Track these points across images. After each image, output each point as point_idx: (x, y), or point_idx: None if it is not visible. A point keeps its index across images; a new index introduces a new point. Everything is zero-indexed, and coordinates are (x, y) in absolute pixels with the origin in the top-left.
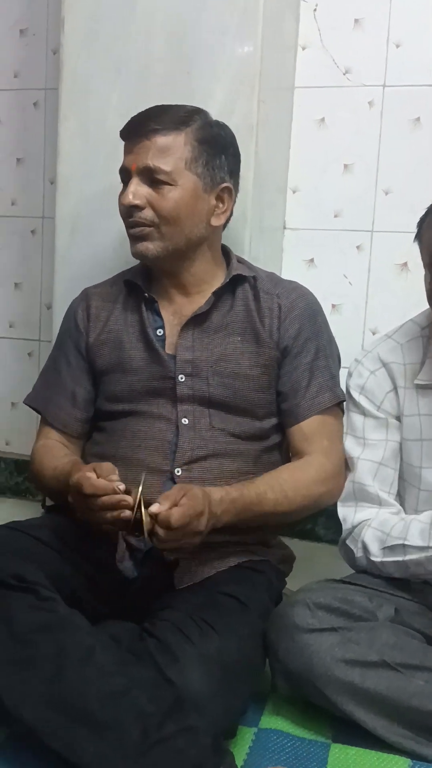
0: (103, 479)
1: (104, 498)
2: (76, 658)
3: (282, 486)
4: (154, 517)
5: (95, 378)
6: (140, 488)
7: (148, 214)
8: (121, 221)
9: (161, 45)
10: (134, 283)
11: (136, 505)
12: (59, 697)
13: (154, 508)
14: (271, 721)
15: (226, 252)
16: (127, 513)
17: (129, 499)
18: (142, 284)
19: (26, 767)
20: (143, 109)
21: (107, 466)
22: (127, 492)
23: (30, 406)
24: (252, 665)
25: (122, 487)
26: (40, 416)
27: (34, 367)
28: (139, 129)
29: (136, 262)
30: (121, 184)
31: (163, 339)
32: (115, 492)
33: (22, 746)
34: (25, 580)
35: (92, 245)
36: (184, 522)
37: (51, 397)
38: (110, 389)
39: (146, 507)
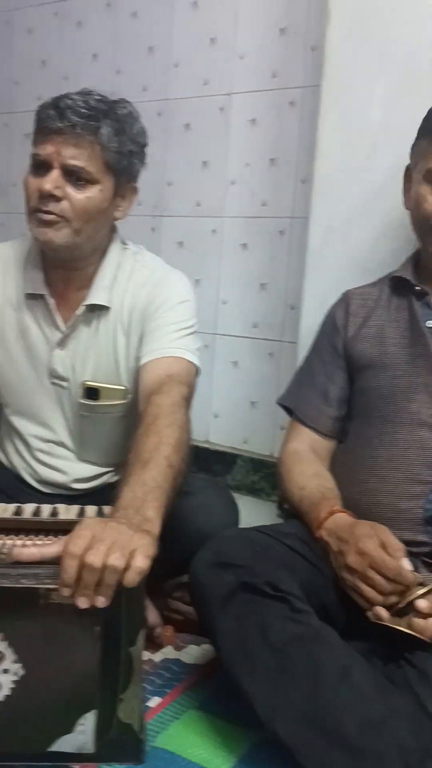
0: (392, 559)
1: (383, 580)
2: (333, 676)
3: None
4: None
5: (351, 375)
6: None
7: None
8: (381, 221)
9: (430, 28)
10: (401, 279)
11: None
12: (314, 714)
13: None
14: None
15: None
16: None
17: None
18: (412, 278)
19: None
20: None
21: (395, 544)
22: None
23: (281, 405)
24: None
25: (414, 577)
26: (290, 417)
27: (275, 368)
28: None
29: (393, 261)
30: None
31: None
32: (401, 576)
33: (270, 756)
34: (279, 589)
35: (347, 245)
36: None
37: (302, 396)
38: (367, 385)
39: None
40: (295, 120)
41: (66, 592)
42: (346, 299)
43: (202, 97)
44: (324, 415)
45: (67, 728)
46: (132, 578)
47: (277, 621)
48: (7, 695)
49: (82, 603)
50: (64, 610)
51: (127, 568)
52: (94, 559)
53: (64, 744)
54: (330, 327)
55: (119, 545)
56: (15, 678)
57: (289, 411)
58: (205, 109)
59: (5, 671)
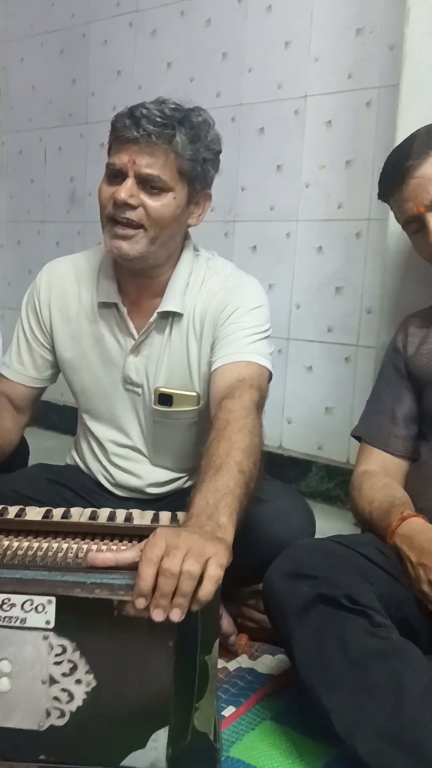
0: None
1: None
2: (416, 693)
3: None
4: None
5: (418, 394)
6: None
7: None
8: None
9: None
10: None
11: None
12: (397, 732)
13: None
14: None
15: None
16: None
17: None
18: None
19: None
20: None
21: None
22: None
23: (354, 437)
24: None
25: None
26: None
27: (350, 373)
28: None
29: None
30: None
31: None
32: None
33: None
34: (359, 603)
35: None
36: None
37: (371, 421)
38: (427, 402)
39: None
40: (371, 120)
41: (141, 603)
42: (405, 323)
43: (276, 100)
44: (392, 435)
45: (140, 743)
46: (207, 589)
47: (357, 635)
48: (80, 706)
49: (157, 615)
50: (137, 624)
51: (202, 576)
52: (171, 564)
53: (137, 759)
54: (392, 351)
55: (194, 553)
56: (87, 689)
57: (359, 440)
58: (279, 112)
59: (78, 681)
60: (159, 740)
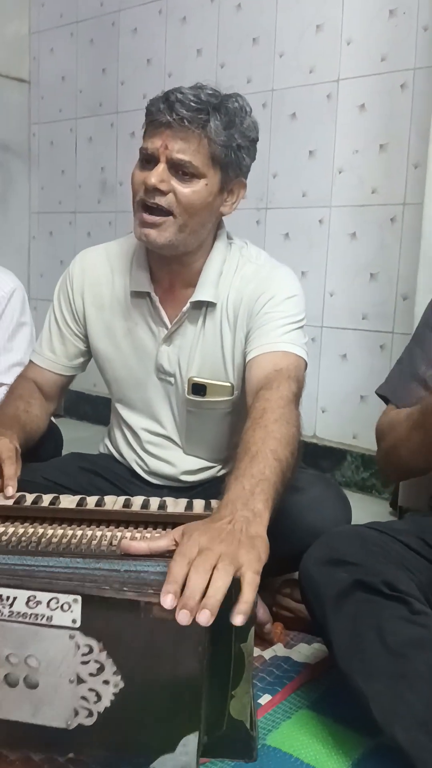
0: None
1: None
2: None
3: None
4: None
5: None
6: None
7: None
8: None
9: None
10: None
11: None
12: None
13: None
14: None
15: None
16: None
17: None
18: None
19: None
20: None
21: None
22: None
23: (379, 395)
24: None
25: None
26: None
27: (386, 361)
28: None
29: None
30: None
31: None
32: None
33: (387, 761)
34: (397, 589)
35: None
36: None
37: (401, 384)
38: None
39: None
40: (406, 103)
41: (168, 600)
42: None
43: (308, 85)
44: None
45: (170, 747)
46: (248, 595)
47: (395, 623)
48: (107, 707)
49: (183, 618)
50: (166, 626)
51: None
52: (203, 562)
53: (166, 763)
54: (429, 315)
55: (228, 556)
56: (115, 690)
57: (386, 401)
58: (311, 97)
59: (105, 682)
60: (189, 745)
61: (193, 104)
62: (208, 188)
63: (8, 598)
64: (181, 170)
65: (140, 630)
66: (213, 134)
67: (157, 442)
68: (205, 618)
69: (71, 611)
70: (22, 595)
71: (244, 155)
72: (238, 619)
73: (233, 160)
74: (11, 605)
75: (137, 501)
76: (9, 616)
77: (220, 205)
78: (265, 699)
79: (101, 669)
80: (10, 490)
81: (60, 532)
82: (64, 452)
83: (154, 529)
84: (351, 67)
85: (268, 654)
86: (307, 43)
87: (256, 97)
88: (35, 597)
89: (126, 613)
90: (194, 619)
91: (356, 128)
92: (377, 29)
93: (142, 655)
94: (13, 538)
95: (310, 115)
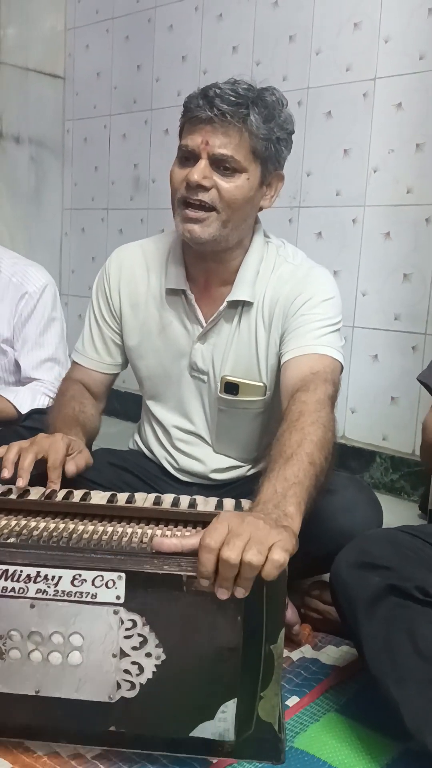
0: None
1: None
2: None
3: None
4: None
5: None
6: None
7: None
8: None
9: None
10: None
11: None
12: None
13: None
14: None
15: None
16: None
17: None
18: None
19: None
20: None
21: None
22: None
23: (421, 382)
24: None
25: None
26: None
27: (417, 362)
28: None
29: None
30: None
31: None
32: None
33: (416, 766)
34: (430, 595)
35: None
36: None
37: None
38: None
39: None
40: None
41: (204, 582)
42: None
43: (345, 83)
44: None
45: (209, 714)
46: (270, 571)
47: (428, 628)
48: (149, 678)
49: (222, 594)
50: (205, 598)
51: (264, 562)
52: (231, 554)
53: (206, 730)
54: None
55: (256, 540)
56: (157, 662)
57: (428, 387)
58: (347, 95)
59: (148, 655)
60: (228, 711)
61: (232, 99)
62: (250, 182)
63: (53, 577)
64: (222, 165)
65: (181, 603)
66: (254, 128)
67: (187, 440)
68: (241, 593)
69: (116, 588)
70: (68, 574)
71: (282, 147)
72: (271, 574)
73: (273, 153)
74: (56, 584)
75: (167, 499)
76: (54, 595)
77: (260, 198)
78: (292, 701)
79: (144, 642)
80: (21, 481)
81: (91, 528)
82: (93, 448)
83: (185, 527)
84: (388, 65)
85: (296, 655)
86: (344, 40)
87: (291, 95)
88: (80, 575)
89: (168, 587)
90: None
91: (392, 127)
92: (415, 27)
93: (184, 628)
94: (44, 533)
95: (346, 114)
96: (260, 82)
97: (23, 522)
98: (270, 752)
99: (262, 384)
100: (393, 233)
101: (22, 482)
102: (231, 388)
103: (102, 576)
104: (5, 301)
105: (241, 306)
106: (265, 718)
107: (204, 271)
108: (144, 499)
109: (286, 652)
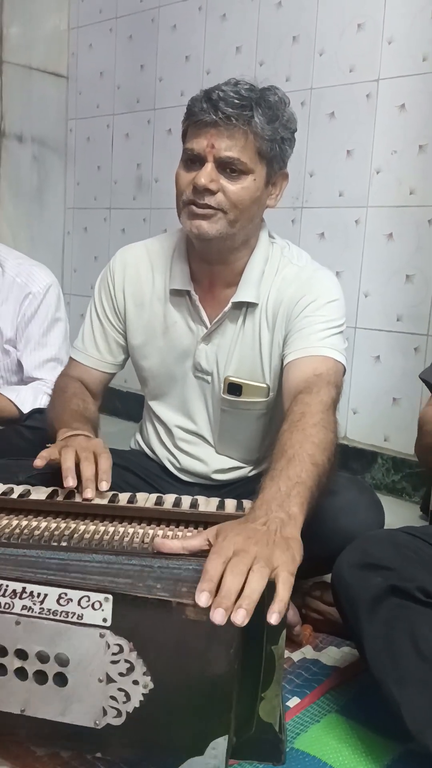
0: None
1: None
2: None
3: None
4: None
5: None
6: None
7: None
8: None
9: None
10: None
11: None
12: None
13: None
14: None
15: None
16: None
17: None
18: None
19: None
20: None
21: None
22: None
23: (423, 380)
24: None
25: None
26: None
27: (419, 363)
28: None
29: None
30: None
31: None
32: None
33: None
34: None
35: None
36: None
37: None
38: None
39: None
40: None
41: (204, 598)
42: None
43: (348, 84)
44: None
45: (199, 750)
46: (282, 594)
47: (430, 629)
48: (136, 707)
49: (218, 616)
50: (197, 627)
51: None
52: (239, 563)
53: (194, 766)
54: None
55: (263, 557)
56: (144, 691)
57: (429, 386)
58: (350, 96)
59: (135, 682)
60: (218, 749)
61: (236, 101)
62: (256, 183)
63: (39, 594)
64: (229, 168)
65: (171, 631)
66: (259, 129)
67: (189, 440)
68: (241, 618)
69: (102, 610)
70: (53, 592)
71: (287, 147)
72: (273, 618)
73: (278, 153)
74: (42, 602)
75: (169, 499)
76: (40, 612)
77: (266, 198)
78: (293, 702)
79: (131, 669)
80: (105, 485)
81: (92, 528)
82: None
83: (186, 527)
84: (391, 66)
85: (296, 656)
86: (347, 41)
87: (294, 96)
88: (66, 594)
89: (157, 613)
90: (228, 620)
91: (395, 128)
92: (419, 28)
93: (173, 657)
94: (46, 533)
95: (349, 115)
96: (262, 82)
97: (24, 522)
98: (270, 753)
99: (265, 385)
100: (396, 234)
101: (90, 493)
102: (234, 388)
103: (88, 597)
104: (9, 301)
105: (245, 307)
106: (266, 719)
107: (208, 272)
108: (146, 499)
109: (287, 653)
